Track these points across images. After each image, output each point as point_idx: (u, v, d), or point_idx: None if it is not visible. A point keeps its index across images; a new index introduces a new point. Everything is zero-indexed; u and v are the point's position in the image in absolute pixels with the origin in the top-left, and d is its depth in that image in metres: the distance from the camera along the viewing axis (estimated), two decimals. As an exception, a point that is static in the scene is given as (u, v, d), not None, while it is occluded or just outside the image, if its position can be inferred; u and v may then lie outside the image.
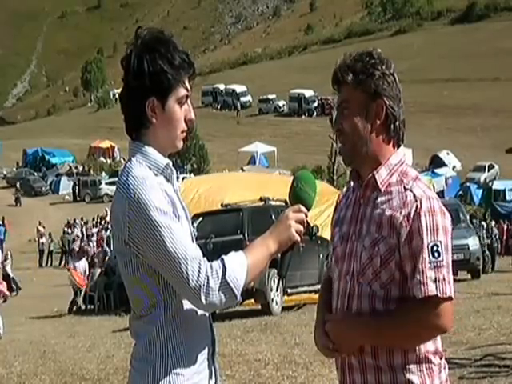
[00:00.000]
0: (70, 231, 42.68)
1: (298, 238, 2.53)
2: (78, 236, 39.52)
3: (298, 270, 14.89)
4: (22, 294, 25.77)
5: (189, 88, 2.54)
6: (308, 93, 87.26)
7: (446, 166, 57.69)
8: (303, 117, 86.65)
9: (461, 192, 49.61)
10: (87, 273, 22.51)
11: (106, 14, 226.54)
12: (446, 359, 2.65)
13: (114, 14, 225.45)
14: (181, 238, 2.39)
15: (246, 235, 14.78)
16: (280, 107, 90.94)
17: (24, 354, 11.63)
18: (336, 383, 2.78)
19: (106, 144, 73.16)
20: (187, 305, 2.46)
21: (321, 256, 16.23)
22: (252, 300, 14.91)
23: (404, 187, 2.56)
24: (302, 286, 16.01)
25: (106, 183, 56.63)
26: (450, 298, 2.49)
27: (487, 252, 26.62)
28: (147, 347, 2.47)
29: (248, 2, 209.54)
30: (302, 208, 2.56)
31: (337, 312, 2.67)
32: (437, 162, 58.63)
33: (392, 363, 2.54)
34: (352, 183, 2.75)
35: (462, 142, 69.22)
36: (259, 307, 15.17)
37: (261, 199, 16.19)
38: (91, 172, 65.56)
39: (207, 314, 2.55)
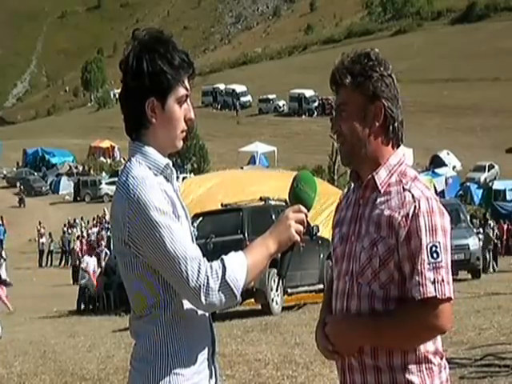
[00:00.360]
0: (70, 231, 42.69)
1: (297, 238, 2.53)
2: (82, 236, 39.48)
3: (299, 270, 14.89)
4: (22, 294, 25.73)
5: (188, 88, 2.54)
6: (308, 93, 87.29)
7: (446, 165, 57.69)
8: (303, 117, 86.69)
9: (461, 192, 49.62)
10: (96, 271, 22.53)
11: (105, 14, 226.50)
12: (446, 359, 2.65)
13: (113, 14, 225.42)
14: (181, 238, 2.39)
15: (246, 235, 14.77)
16: (280, 107, 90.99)
17: (24, 354, 11.64)
18: (337, 383, 2.78)
19: (106, 144, 73.21)
20: (187, 305, 2.46)
21: (321, 256, 16.23)
22: (252, 300, 14.91)
23: (403, 187, 2.56)
24: (303, 286, 16.01)
25: (106, 183, 56.65)
26: (449, 299, 2.49)
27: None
28: (147, 347, 2.47)
29: (248, 2, 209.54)
30: (302, 208, 2.56)
31: (336, 313, 2.67)
32: (437, 162, 58.65)
33: (391, 364, 2.54)
34: (352, 184, 2.75)
35: (462, 141, 69.25)
36: (259, 307, 15.17)
37: (261, 199, 16.18)
38: (91, 172, 65.59)
39: (207, 314, 2.55)
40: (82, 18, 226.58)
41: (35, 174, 66.64)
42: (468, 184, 51.86)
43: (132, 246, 2.42)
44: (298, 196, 2.58)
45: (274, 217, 14.10)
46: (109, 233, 34.86)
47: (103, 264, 23.49)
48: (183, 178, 35.47)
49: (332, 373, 7.70)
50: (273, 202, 16.10)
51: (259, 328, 12.19)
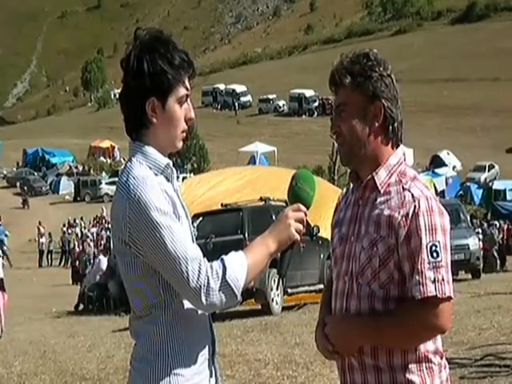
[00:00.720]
0: (69, 231, 42.67)
1: (297, 236, 2.53)
2: (87, 236, 39.42)
3: (299, 270, 14.89)
4: (22, 294, 25.71)
5: (189, 87, 2.54)
6: (308, 93, 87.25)
7: (446, 165, 57.67)
8: (303, 117, 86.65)
9: (461, 192, 49.58)
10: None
11: (106, 14, 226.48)
12: (446, 359, 2.65)
13: (114, 13, 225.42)
14: (181, 238, 2.39)
15: (246, 235, 14.76)
16: (280, 107, 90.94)
17: (24, 354, 11.65)
18: (337, 383, 2.78)
19: (106, 144, 73.18)
20: (187, 305, 2.46)
21: (321, 256, 16.23)
22: (252, 300, 14.90)
23: (402, 187, 2.56)
24: (303, 286, 16.01)
25: (106, 183, 56.63)
26: (450, 298, 2.49)
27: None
28: (147, 347, 2.47)
29: (248, 2, 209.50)
30: (302, 207, 2.56)
31: (336, 313, 2.67)
32: (437, 162, 58.63)
33: (392, 363, 2.54)
34: (351, 184, 2.75)
35: (462, 141, 69.22)
36: (259, 307, 15.16)
37: (261, 199, 16.18)
38: (91, 172, 65.55)
39: (207, 314, 2.55)
40: (82, 18, 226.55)
41: (35, 173, 66.59)
42: (468, 184, 51.83)
43: (132, 247, 2.42)
44: (297, 194, 2.58)
45: (273, 217, 14.07)
46: (109, 233, 34.86)
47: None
48: (183, 178, 35.48)
49: (332, 373, 7.70)
50: (273, 202, 16.09)
51: (259, 328, 12.18)
